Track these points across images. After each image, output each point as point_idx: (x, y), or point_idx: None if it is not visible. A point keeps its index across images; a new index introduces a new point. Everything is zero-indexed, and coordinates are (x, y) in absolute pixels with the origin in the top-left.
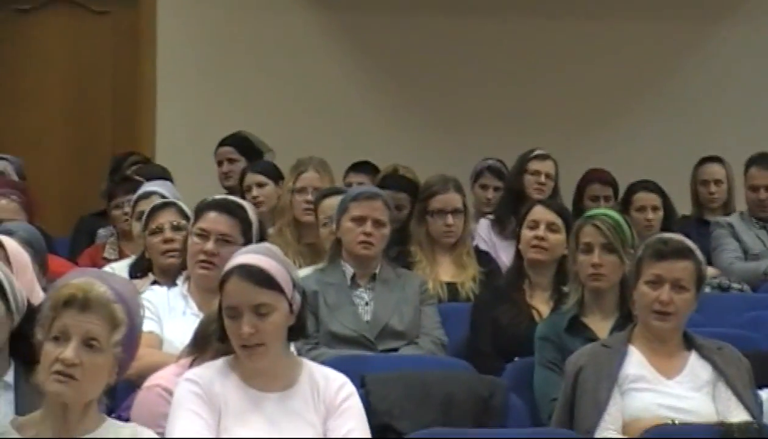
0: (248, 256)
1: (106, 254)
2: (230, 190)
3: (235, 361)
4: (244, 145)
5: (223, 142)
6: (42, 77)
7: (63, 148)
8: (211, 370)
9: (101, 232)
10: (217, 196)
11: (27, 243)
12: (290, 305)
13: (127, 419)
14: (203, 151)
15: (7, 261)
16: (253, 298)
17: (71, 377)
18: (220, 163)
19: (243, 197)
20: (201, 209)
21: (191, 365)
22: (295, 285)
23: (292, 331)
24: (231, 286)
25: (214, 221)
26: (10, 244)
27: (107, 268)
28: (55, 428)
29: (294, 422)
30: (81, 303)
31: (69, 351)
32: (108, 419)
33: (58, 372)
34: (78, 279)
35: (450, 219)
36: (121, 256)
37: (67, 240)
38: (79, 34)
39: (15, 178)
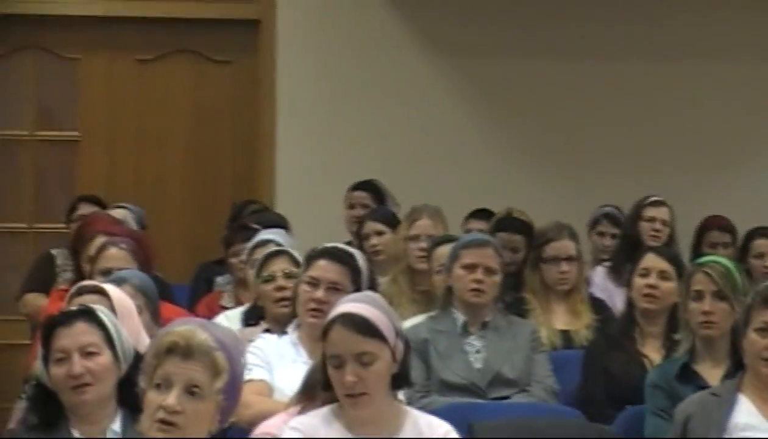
0: (351, 304)
1: (223, 302)
2: (357, 236)
3: (340, 409)
4: (378, 194)
5: (359, 187)
6: (164, 125)
7: (184, 195)
8: (316, 418)
9: (219, 280)
10: (328, 245)
11: (139, 291)
12: (393, 353)
13: None
14: (322, 199)
15: (113, 309)
16: (356, 347)
17: (173, 425)
18: (352, 207)
19: (361, 245)
20: (311, 257)
21: (300, 413)
22: (398, 333)
23: (395, 379)
24: (334, 334)
25: (324, 268)
26: (115, 292)
27: (221, 315)
28: None
29: None
30: (183, 351)
31: (171, 399)
32: None
33: (161, 420)
34: (180, 327)
35: (564, 266)
36: (238, 304)
37: (188, 287)
38: (200, 83)
39: (134, 226)
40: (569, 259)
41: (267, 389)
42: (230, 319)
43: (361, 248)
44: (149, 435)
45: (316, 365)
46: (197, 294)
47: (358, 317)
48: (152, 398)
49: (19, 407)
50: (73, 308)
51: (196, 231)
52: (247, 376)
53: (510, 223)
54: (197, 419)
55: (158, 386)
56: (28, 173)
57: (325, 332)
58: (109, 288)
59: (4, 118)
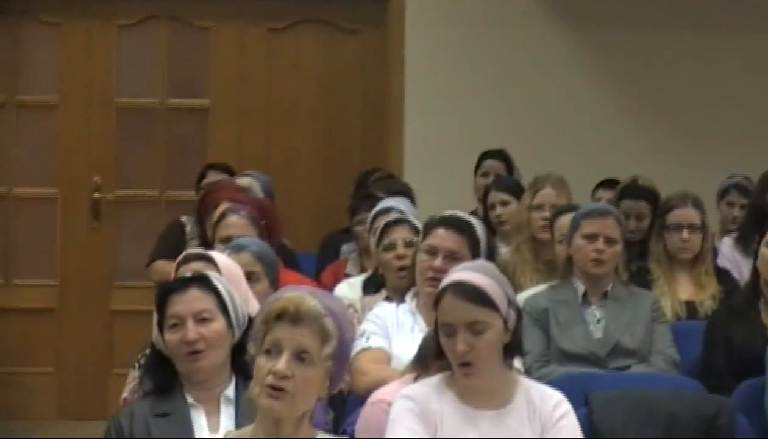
0: (463, 273)
1: (348, 270)
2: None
3: (452, 378)
4: (509, 164)
5: (493, 155)
6: (293, 94)
7: (313, 164)
8: (428, 387)
9: (344, 248)
10: (446, 213)
11: (258, 258)
12: (505, 322)
13: (352, 433)
14: (450, 168)
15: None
16: (467, 315)
17: (283, 391)
18: (484, 175)
19: (486, 213)
20: (430, 226)
21: (415, 381)
22: (510, 302)
23: (507, 348)
24: (446, 303)
25: (442, 237)
26: (221, 259)
27: (343, 283)
28: None
29: None
30: (292, 316)
31: (281, 364)
32: (319, 433)
33: (271, 386)
34: (289, 293)
35: (686, 234)
36: (363, 272)
37: (316, 256)
38: (329, 53)
39: (260, 194)
40: (691, 227)
41: (385, 357)
42: (352, 286)
43: (486, 216)
44: (259, 402)
45: (429, 333)
46: (324, 262)
47: (470, 286)
48: (262, 363)
49: (132, 376)
50: (188, 274)
51: (324, 200)
52: (365, 344)
53: (634, 190)
54: (306, 384)
55: (268, 351)
56: (160, 141)
57: (437, 301)
58: (216, 255)
59: (136, 87)
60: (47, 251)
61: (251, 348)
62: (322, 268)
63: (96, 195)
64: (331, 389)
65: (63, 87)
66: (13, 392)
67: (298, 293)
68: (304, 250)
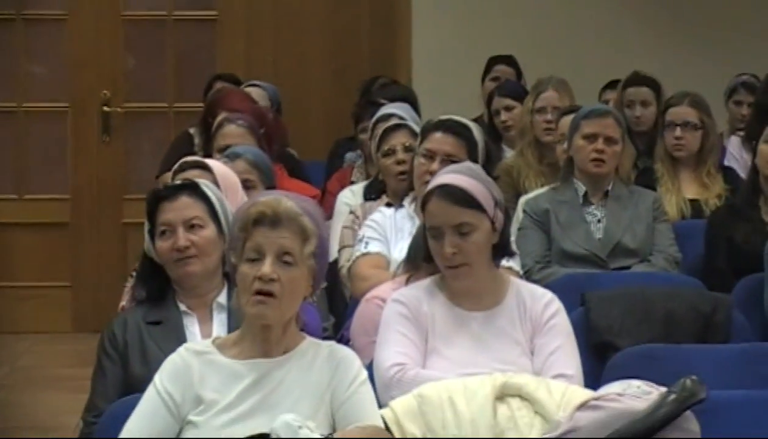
0: (449, 176)
1: (353, 178)
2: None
3: (442, 280)
4: (518, 70)
5: (502, 60)
6: (302, 4)
7: (322, 73)
8: (419, 290)
9: (348, 155)
10: (443, 117)
11: (253, 166)
12: (492, 223)
13: (349, 337)
14: (458, 75)
15: (216, 184)
16: (453, 218)
17: (271, 295)
18: (494, 79)
19: (491, 118)
20: (427, 130)
21: (407, 282)
22: (497, 203)
23: (495, 249)
24: (432, 206)
25: (439, 141)
26: (217, 166)
27: (346, 190)
28: (255, 347)
29: (500, 340)
30: (271, 219)
31: (266, 267)
32: (307, 338)
33: (258, 292)
34: (264, 198)
35: (678, 131)
36: (368, 178)
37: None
38: None
39: (266, 103)
40: (685, 125)
41: (384, 262)
42: (354, 193)
43: (491, 122)
44: (247, 310)
45: (417, 235)
46: (332, 171)
47: (455, 188)
48: (246, 270)
49: (129, 285)
50: (177, 182)
51: (334, 108)
52: (363, 249)
53: (636, 78)
54: (292, 286)
55: (250, 259)
56: (169, 53)
57: (424, 204)
58: (212, 163)
59: None
60: (59, 166)
61: (232, 257)
62: (330, 175)
63: (106, 108)
64: (314, 288)
65: (71, 1)
66: (30, 306)
67: (273, 197)
68: (313, 158)
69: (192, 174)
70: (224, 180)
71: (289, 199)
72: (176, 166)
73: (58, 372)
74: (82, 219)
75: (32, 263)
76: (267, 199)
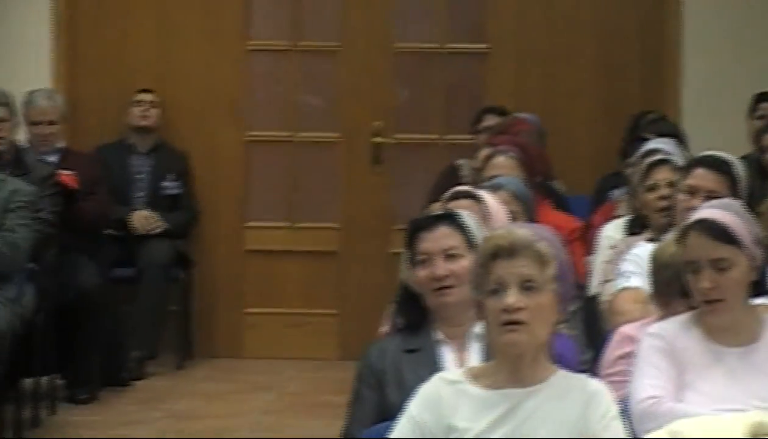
0: (709, 211)
1: (618, 212)
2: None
3: (699, 316)
4: None
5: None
6: (571, 39)
7: (591, 107)
8: (675, 324)
9: (616, 192)
10: (706, 152)
11: (515, 197)
12: (751, 260)
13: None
14: (728, 111)
15: (484, 214)
16: (711, 252)
17: (521, 323)
18: (761, 118)
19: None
20: (689, 166)
21: (660, 320)
22: (757, 241)
23: (753, 287)
24: (691, 240)
25: (701, 177)
26: (487, 197)
27: (611, 223)
28: (507, 377)
29: (758, 377)
30: (508, 250)
31: (510, 297)
32: (558, 370)
33: (507, 323)
34: (497, 231)
35: None
36: (634, 213)
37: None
38: None
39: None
40: None
41: (644, 297)
42: (616, 227)
43: (759, 159)
44: (500, 340)
45: (660, 265)
46: (597, 205)
47: (715, 223)
48: (491, 304)
49: (390, 311)
50: (437, 212)
51: (602, 143)
52: (625, 283)
53: None
54: (540, 311)
55: (493, 292)
56: (439, 85)
57: (682, 238)
58: (482, 193)
59: (416, 31)
60: (329, 195)
61: (476, 295)
62: (595, 210)
63: (376, 139)
64: (563, 313)
65: (343, 33)
66: (298, 332)
67: (506, 229)
68: (580, 192)
69: (462, 204)
70: (493, 211)
71: (521, 228)
72: (447, 194)
73: (321, 399)
74: (350, 248)
75: (301, 290)
76: (500, 231)
